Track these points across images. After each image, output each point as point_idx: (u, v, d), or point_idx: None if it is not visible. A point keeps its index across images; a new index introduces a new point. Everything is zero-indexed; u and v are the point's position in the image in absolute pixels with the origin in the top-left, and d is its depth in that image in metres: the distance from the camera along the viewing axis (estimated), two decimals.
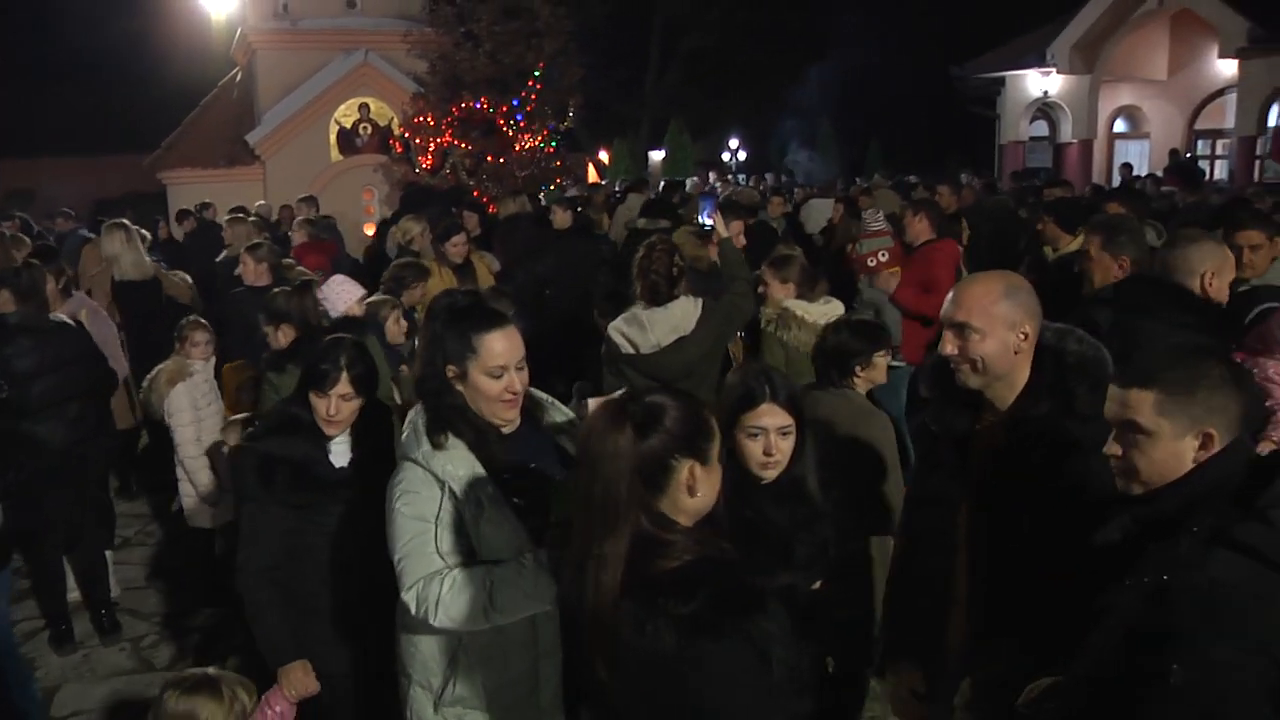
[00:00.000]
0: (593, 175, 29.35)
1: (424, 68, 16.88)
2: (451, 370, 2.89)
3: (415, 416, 2.95)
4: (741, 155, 31.82)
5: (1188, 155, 22.26)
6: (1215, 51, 20.33)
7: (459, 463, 2.84)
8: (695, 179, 23.80)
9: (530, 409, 3.04)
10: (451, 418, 2.88)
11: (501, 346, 2.85)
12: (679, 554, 2.13)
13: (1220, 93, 22.27)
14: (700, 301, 4.92)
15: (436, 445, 2.84)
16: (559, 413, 3.13)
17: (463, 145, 16.12)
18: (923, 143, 30.55)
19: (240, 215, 10.29)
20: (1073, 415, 2.63)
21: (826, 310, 5.46)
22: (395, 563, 2.82)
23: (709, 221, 5.36)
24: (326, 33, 17.16)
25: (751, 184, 20.69)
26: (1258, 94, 18.69)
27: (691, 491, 2.20)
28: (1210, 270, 4.01)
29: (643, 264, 4.92)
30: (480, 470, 2.84)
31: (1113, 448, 2.28)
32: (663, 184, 16.12)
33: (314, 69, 17.19)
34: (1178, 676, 2.02)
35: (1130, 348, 3.39)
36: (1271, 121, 17.15)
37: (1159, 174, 18.54)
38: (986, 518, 2.71)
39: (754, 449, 2.90)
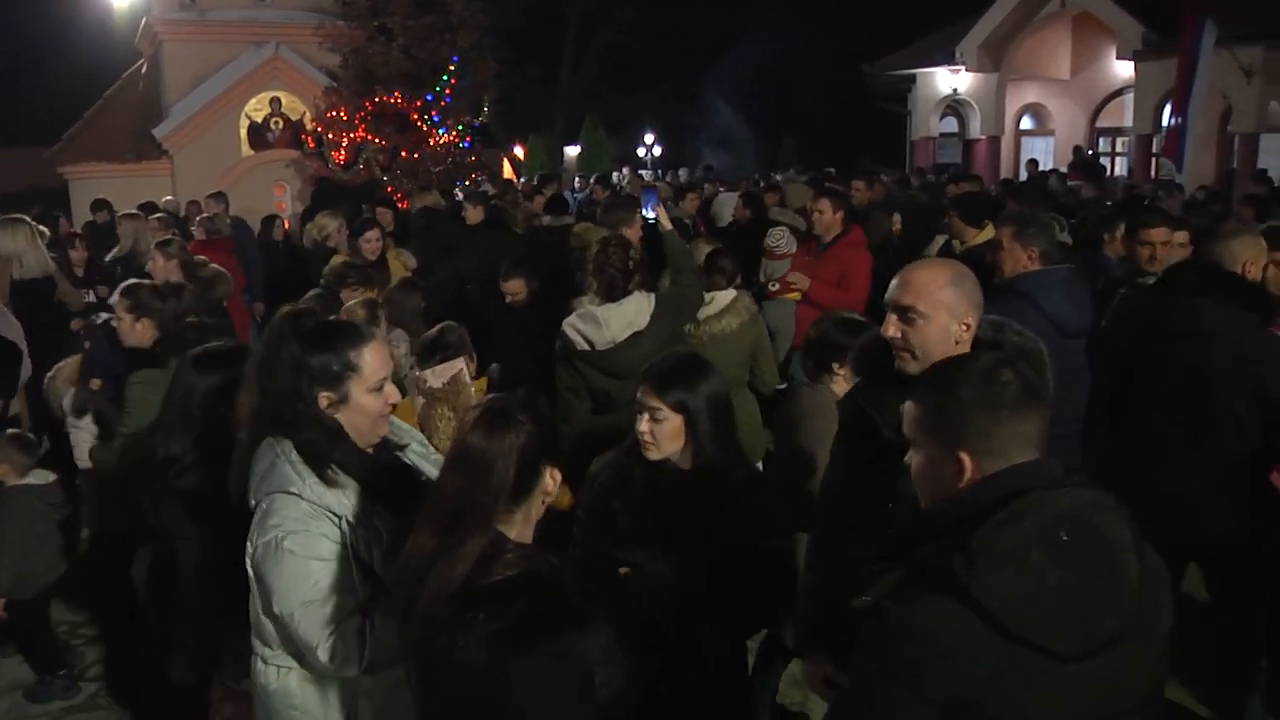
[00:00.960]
0: (508, 171, 29.20)
1: (337, 62, 16.71)
2: (327, 397, 2.66)
3: (273, 450, 2.66)
4: (657, 151, 31.90)
5: (1090, 152, 22.89)
6: (1114, 53, 20.94)
7: (352, 495, 2.63)
8: (626, 174, 23.84)
9: None
10: (331, 449, 2.64)
11: (378, 359, 2.71)
12: (506, 567, 2.15)
13: (1119, 92, 22.90)
14: (653, 297, 4.96)
15: (329, 482, 2.61)
16: (405, 431, 3.02)
17: (376, 140, 15.96)
18: (836, 138, 30.95)
19: (134, 212, 10.00)
20: None
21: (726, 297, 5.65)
22: (287, 611, 2.55)
23: (653, 215, 5.37)
24: (236, 25, 16.86)
25: (666, 180, 20.73)
26: (1153, 94, 19.27)
27: (546, 497, 2.27)
28: (1249, 260, 4.33)
29: (599, 260, 4.94)
30: (368, 500, 2.65)
31: (911, 457, 2.15)
32: (594, 179, 16.06)
33: (223, 61, 16.89)
34: (849, 698, 2.03)
35: (1192, 325, 3.93)
36: (1165, 121, 17.67)
37: (1063, 170, 19.06)
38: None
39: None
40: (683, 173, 24.38)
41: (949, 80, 23.37)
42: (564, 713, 2.11)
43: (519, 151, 30.96)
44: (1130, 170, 20.83)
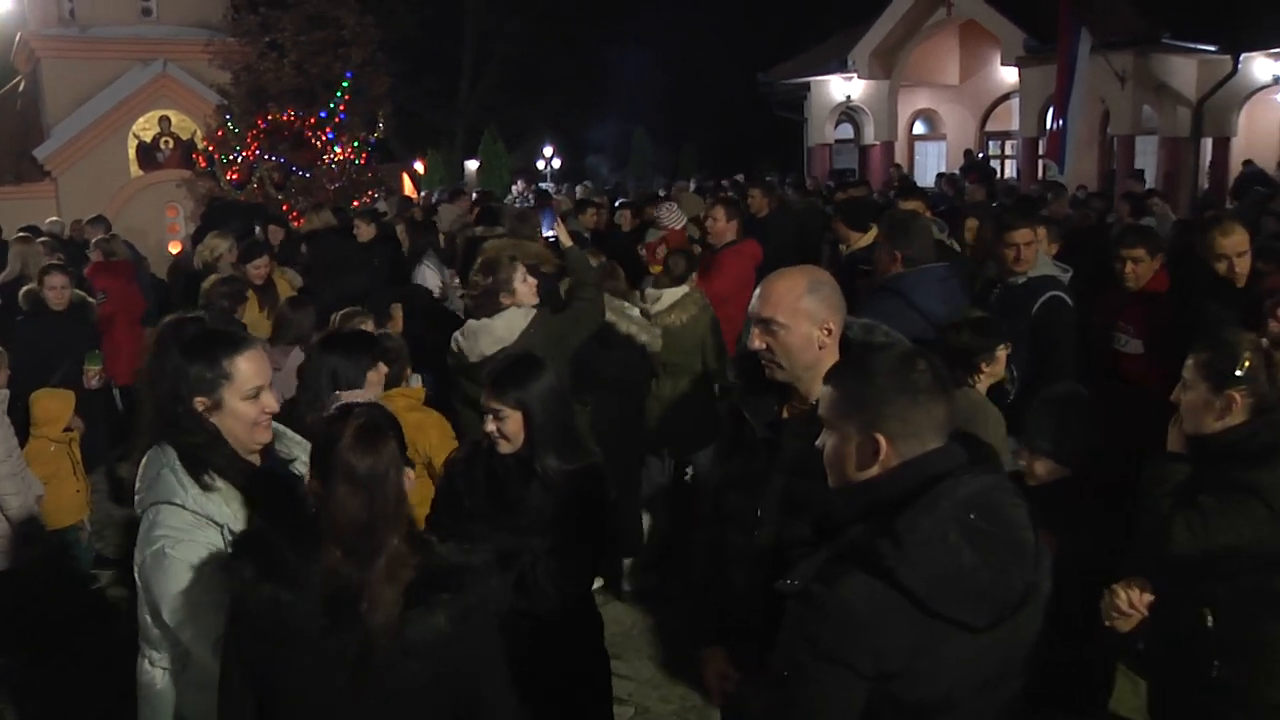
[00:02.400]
0: (408, 186, 28.93)
1: (227, 79, 16.39)
2: (202, 402, 2.71)
3: (160, 457, 2.72)
4: (556, 163, 31.88)
5: (980, 155, 23.52)
6: (999, 59, 21.50)
7: (232, 502, 2.68)
8: (521, 186, 23.82)
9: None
10: (209, 455, 2.69)
11: (253, 367, 2.75)
12: (434, 551, 2.34)
13: (1006, 97, 23.53)
14: (530, 312, 5.00)
15: (205, 487, 2.65)
16: (295, 444, 3.03)
17: (270, 158, 15.70)
18: (735, 147, 31.30)
19: (24, 234, 9.74)
20: None
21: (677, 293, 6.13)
22: (175, 618, 2.60)
23: (552, 234, 5.44)
24: (120, 41, 16.36)
25: (563, 192, 20.74)
26: (1036, 99, 19.87)
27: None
28: (1237, 253, 4.78)
29: (473, 277, 5.08)
30: (250, 508, 2.71)
31: (822, 439, 2.26)
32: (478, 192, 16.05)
33: (108, 79, 16.38)
34: (781, 679, 2.11)
35: (1198, 323, 4.09)
36: (1048, 124, 18.24)
37: (953, 173, 19.57)
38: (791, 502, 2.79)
39: None
40: (584, 185, 24.41)
41: (843, 88, 23.79)
42: (501, 660, 2.38)
43: (419, 166, 30.72)
44: (1019, 172, 21.45)
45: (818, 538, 2.20)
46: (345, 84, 16.27)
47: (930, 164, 25.48)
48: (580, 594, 3.57)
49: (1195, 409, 3.13)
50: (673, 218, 7.54)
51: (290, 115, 15.79)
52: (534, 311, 5.01)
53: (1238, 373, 3.02)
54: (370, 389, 3.90)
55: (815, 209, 11.58)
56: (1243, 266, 4.90)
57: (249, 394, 2.73)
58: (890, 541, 1.98)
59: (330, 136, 16.17)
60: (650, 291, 6.35)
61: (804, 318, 2.75)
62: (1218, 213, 7.31)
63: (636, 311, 6.04)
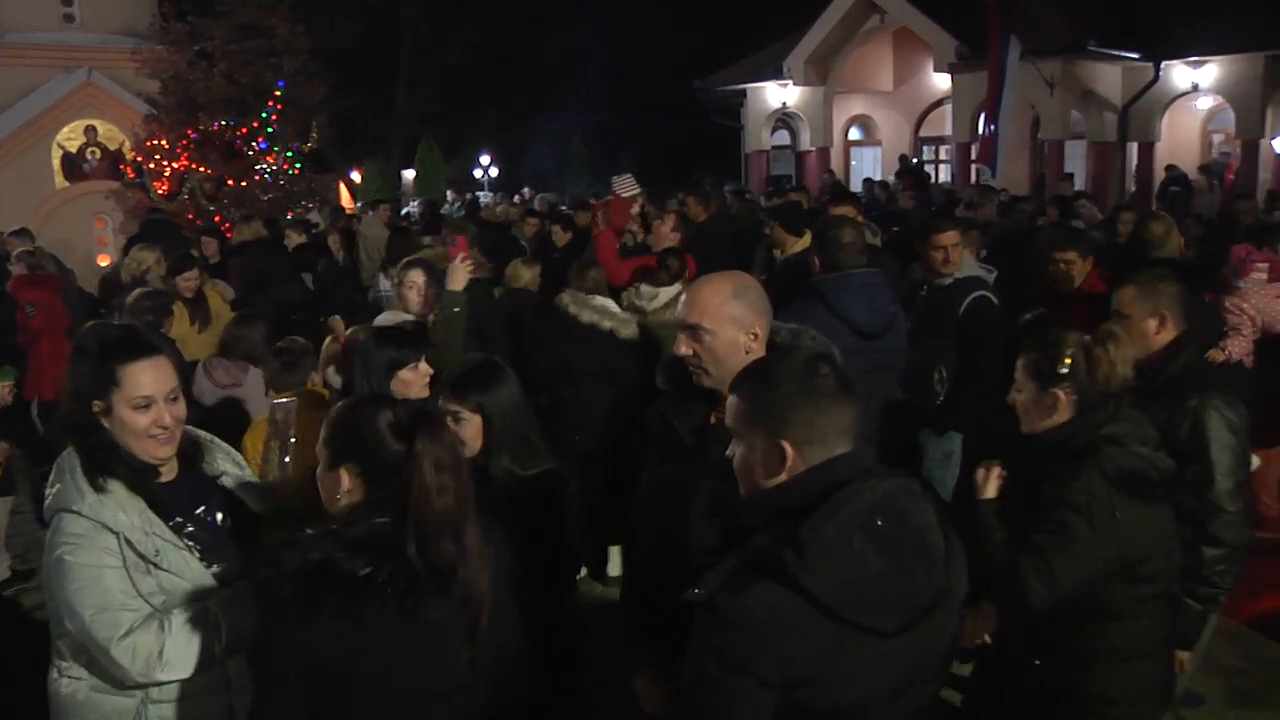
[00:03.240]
0: (345, 196, 28.65)
1: (156, 88, 16.08)
2: (97, 405, 2.70)
3: (64, 463, 2.73)
4: (494, 172, 31.74)
5: (915, 160, 23.81)
6: (931, 66, 21.81)
7: (128, 508, 2.67)
8: (452, 196, 23.67)
9: (189, 452, 2.91)
10: (103, 457, 2.69)
11: (147, 377, 2.69)
12: None
13: (940, 103, 23.86)
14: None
15: (99, 490, 2.65)
16: (224, 456, 3.02)
17: (201, 169, 15.46)
18: (674, 154, 31.37)
19: None
20: None
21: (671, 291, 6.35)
22: (79, 624, 2.58)
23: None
24: (42, 49, 15.91)
25: (500, 202, 20.66)
26: (969, 104, 20.17)
27: None
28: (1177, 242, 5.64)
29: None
30: (149, 514, 2.69)
31: (732, 448, 2.23)
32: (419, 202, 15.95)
33: (29, 88, 15.92)
34: (689, 690, 2.08)
35: None
36: (980, 130, 18.54)
37: (887, 180, 19.81)
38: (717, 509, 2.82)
39: None
40: (522, 194, 24.34)
41: (779, 94, 23.97)
42: None
43: (357, 176, 30.46)
44: (953, 176, 21.75)
45: (726, 546, 2.15)
46: (278, 94, 16.07)
47: (866, 169, 25.79)
48: (543, 603, 3.45)
49: (1026, 409, 3.15)
50: (624, 185, 7.74)
51: (222, 125, 15.56)
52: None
53: (1061, 370, 3.05)
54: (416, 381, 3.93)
55: (753, 215, 11.63)
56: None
57: (137, 403, 2.68)
58: (793, 549, 1.96)
59: (263, 147, 15.96)
60: (645, 289, 6.49)
61: (730, 323, 2.76)
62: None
63: (600, 300, 6.11)
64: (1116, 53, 19.47)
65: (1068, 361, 3.04)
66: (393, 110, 35.57)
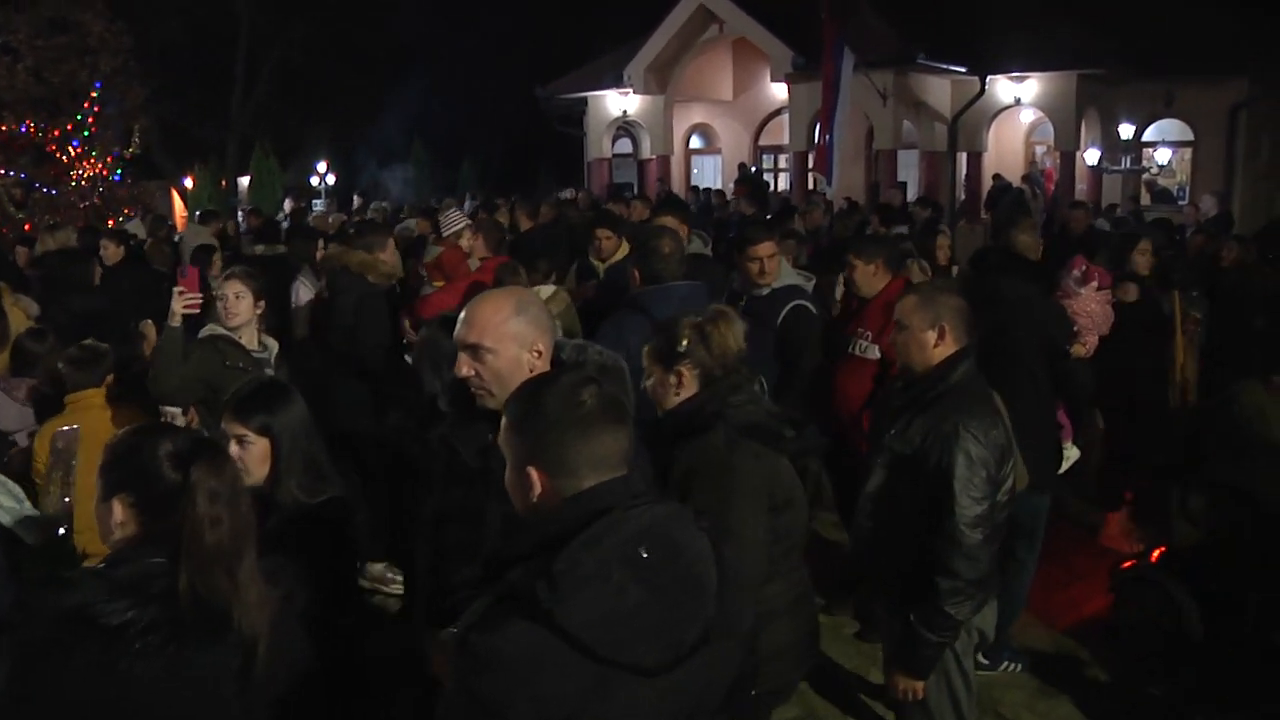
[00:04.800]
0: (178, 204, 27.52)
1: None
2: None
3: None
4: (331, 179, 30.93)
5: (753, 169, 24.18)
6: (769, 75, 22.17)
7: None
8: (289, 205, 22.91)
9: None
10: None
11: None
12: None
13: (778, 112, 24.26)
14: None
15: None
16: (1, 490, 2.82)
17: (7, 174, 14.58)
18: (516, 161, 31.17)
19: None
20: None
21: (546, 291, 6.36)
22: None
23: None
24: None
25: (333, 209, 20.08)
26: (805, 114, 20.57)
27: None
28: (1039, 246, 5.94)
29: None
30: None
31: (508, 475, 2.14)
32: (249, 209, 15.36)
33: None
34: None
35: (996, 295, 4.92)
36: (816, 139, 18.93)
37: (718, 189, 20.07)
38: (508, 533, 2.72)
39: None
40: (355, 200, 23.74)
41: (619, 102, 24.03)
42: None
43: (189, 183, 29.30)
44: (791, 185, 22.15)
45: (487, 579, 2.04)
46: (95, 94, 15.28)
47: (707, 177, 26.08)
48: (330, 634, 3.34)
49: (655, 391, 3.33)
50: (450, 222, 7.64)
51: (30, 127, 14.70)
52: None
53: (679, 349, 3.24)
54: None
55: (585, 223, 11.59)
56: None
57: None
58: (546, 583, 1.85)
59: (78, 150, 15.16)
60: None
61: (511, 340, 2.68)
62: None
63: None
64: (945, 66, 20.16)
65: (684, 341, 3.24)
66: (226, 114, 34.32)
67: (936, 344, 3.52)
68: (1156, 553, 5.55)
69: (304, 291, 7.55)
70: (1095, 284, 6.32)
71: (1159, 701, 4.95)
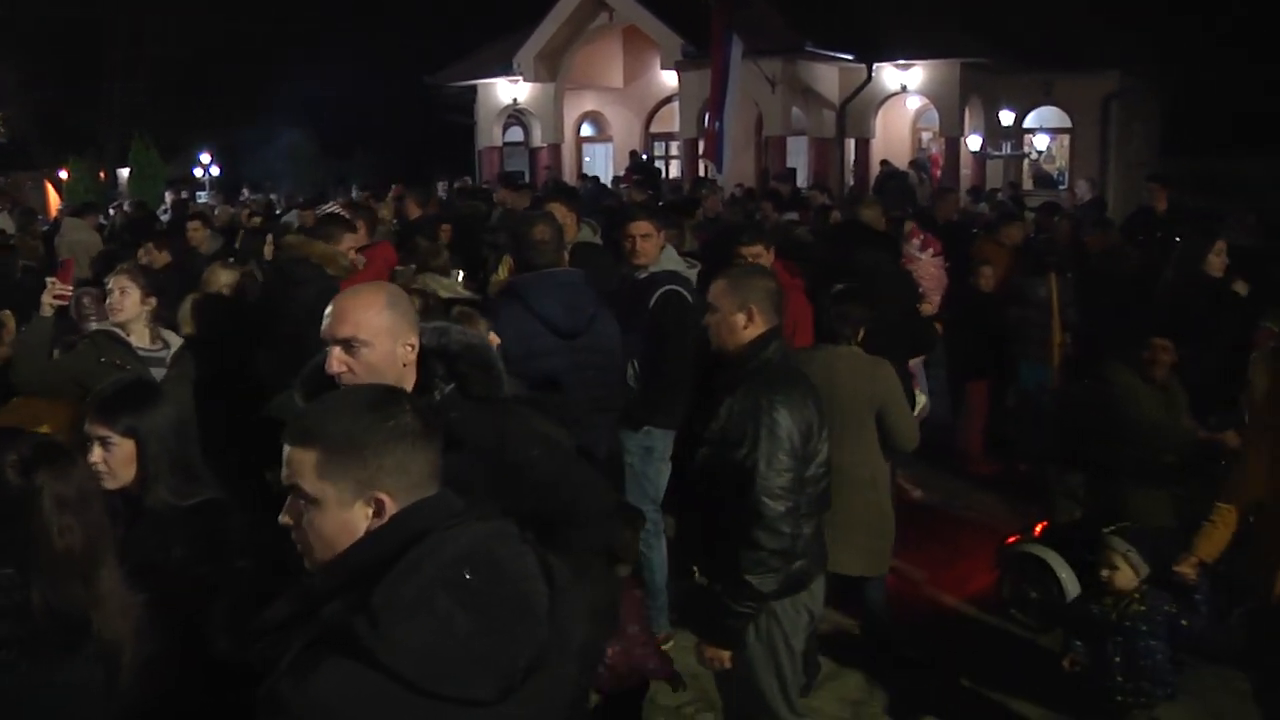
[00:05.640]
0: (53, 197, 26.48)
1: None
2: None
3: None
4: (215, 171, 30.07)
5: (644, 156, 24.20)
6: (659, 63, 22.21)
7: None
8: (169, 199, 22.22)
9: None
10: None
11: None
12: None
13: (669, 100, 24.30)
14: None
15: None
16: None
17: None
18: (406, 152, 30.68)
19: None
20: (469, 396, 2.75)
21: None
22: None
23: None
24: None
25: (219, 201, 19.48)
26: (695, 102, 20.64)
27: None
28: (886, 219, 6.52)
29: None
30: None
31: (285, 517, 1.91)
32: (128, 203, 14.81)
33: None
34: None
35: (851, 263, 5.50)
36: (706, 126, 19.01)
37: (594, 175, 20.08)
38: None
39: None
40: (243, 193, 23.15)
41: (509, 90, 23.85)
42: None
43: (65, 175, 28.24)
44: (682, 172, 22.23)
45: (294, 620, 1.83)
46: None
47: (599, 165, 25.99)
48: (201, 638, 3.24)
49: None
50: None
51: None
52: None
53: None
54: None
55: (478, 211, 11.48)
56: None
57: None
58: (365, 618, 1.68)
59: None
60: (437, 279, 6.50)
61: (386, 334, 2.63)
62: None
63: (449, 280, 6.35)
64: (833, 54, 20.45)
65: None
66: (108, 104, 33.09)
67: (746, 325, 3.56)
68: (1039, 527, 5.73)
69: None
70: (932, 251, 7.07)
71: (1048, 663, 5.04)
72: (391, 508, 1.85)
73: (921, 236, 7.25)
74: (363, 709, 1.67)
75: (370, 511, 1.85)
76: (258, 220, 11.49)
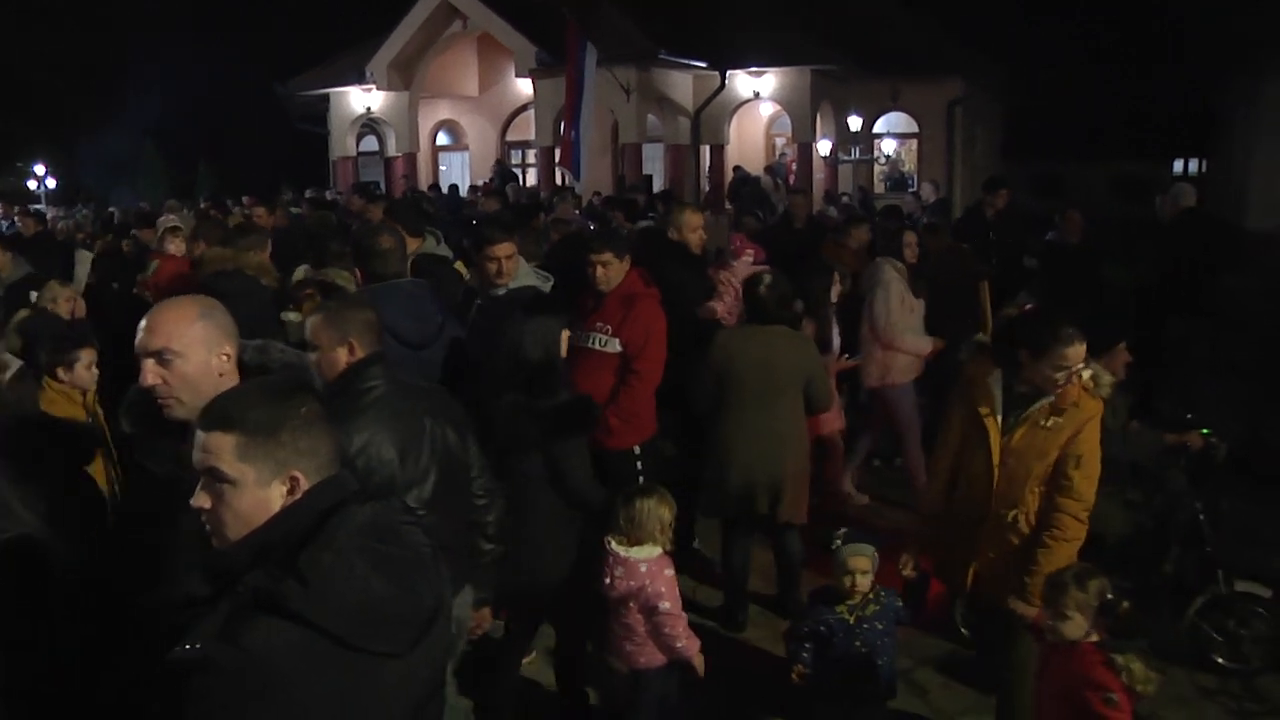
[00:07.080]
0: None
1: None
2: None
3: None
4: (51, 183, 28.70)
5: (499, 164, 24.08)
6: (514, 71, 22.15)
7: None
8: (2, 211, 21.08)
9: None
10: None
11: None
12: None
13: (525, 108, 24.27)
14: None
15: None
16: None
17: None
18: (258, 162, 29.86)
19: None
20: None
21: None
22: None
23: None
24: None
25: (65, 215, 18.66)
26: (551, 109, 20.67)
27: None
28: (700, 231, 6.58)
29: None
30: None
31: (200, 499, 2.02)
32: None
33: None
34: None
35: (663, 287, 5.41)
36: (561, 134, 19.05)
37: (435, 185, 19.92)
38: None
39: None
40: (81, 207, 22.16)
41: (363, 99, 23.49)
42: None
43: None
44: (539, 179, 22.20)
45: (215, 595, 1.96)
46: None
47: (455, 174, 25.81)
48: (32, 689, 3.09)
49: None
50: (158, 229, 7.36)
51: None
52: None
53: None
54: None
55: (327, 222, 11.23)
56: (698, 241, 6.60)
57: None
58: (295, 581, 1.85)
59: None
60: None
61: (200, 345, 2.62)
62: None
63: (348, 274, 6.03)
64: (686, 61, 20.69)
65: None
66: None
67: (347, 360, 3.36)
68: None
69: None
70: (750, 258, 7.12)
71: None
72: (305, 485, 2.02)
73: (739, 242, 7.45)
74: (296, 662, 1.82)
75: (286, 490, 2.01)
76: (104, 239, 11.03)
